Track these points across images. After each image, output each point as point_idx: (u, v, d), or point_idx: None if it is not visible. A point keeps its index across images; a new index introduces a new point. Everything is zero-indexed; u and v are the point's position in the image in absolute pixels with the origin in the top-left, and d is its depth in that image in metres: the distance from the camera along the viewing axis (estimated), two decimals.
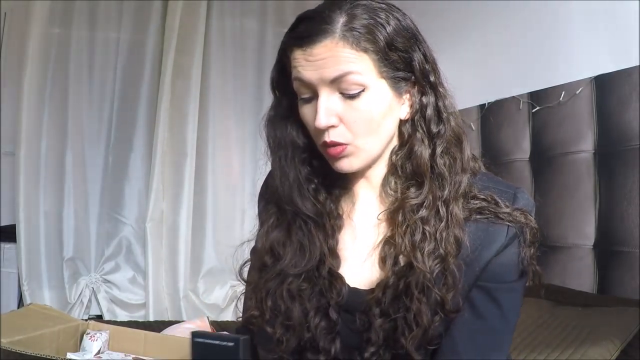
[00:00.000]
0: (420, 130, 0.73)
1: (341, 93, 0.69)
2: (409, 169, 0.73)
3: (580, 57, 1.76)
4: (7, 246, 2.75)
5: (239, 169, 3.16)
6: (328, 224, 0.76)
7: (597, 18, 1.70)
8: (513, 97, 1.96)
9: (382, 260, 0.72)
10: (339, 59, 0.67)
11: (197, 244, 3.05)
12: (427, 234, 0.70)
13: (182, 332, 1.86)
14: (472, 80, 2.20)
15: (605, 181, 1.64)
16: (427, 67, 0.72)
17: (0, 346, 1.31)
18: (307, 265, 0.74)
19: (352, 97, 0.68)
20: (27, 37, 2.69)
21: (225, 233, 3.07)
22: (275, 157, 0.78)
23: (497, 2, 2.09)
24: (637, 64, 1.52)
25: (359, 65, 0.67)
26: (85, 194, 2.94)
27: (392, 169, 0.75)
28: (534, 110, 1.87)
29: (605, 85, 1.64)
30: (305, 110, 0.72)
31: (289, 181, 0.76)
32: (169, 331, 1.91)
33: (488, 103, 2.08)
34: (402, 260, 0.71)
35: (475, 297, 0.71)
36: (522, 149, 1.93)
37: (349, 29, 0.67)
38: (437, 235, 0.70)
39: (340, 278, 0.75)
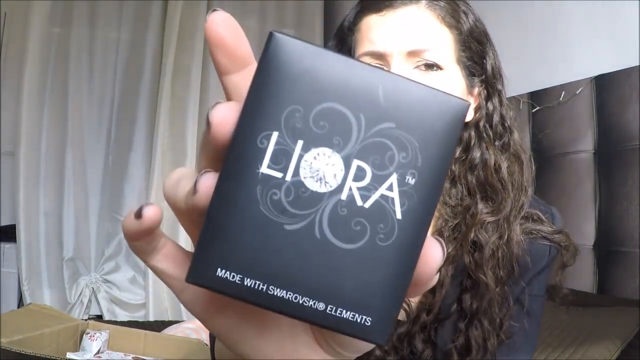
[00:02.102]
0: (487, 138, 0.67)
1: (416, 67, 0.63)
2: (473, 180, 0.66)
3: (580, 57, 1.76)
4: (7, 246, 2.75)
5: None
6: None
7: (597, 18, 1.70)
8: (513, 97, 1.96)
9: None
10: (423, 29, 0.62)
11: None
12: (488, 251, 0.64)
13: (182, 332, 1.86)
14: None
15: (605, 181, 1.64)
16: (497, 74, 0.70)
17: (0, 346, 1.31)
18: None
19: (426, 73, 0.62)
20: (27, 37, 2.69)
21: None
22: None
23: (497, 2, 2.09)
24: (637, 64, 1.52)
25: (442, 41, 0.63)
26: (85, 194, 2.94)
27: (451, 177, 0.68)
28: (534, 110, 1.87)
29: (605, 85, 1.64)
30: None
31: None
32: (169, 331, 1.91)
33: None
34: (466, 280, 0.65)
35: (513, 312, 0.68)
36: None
37: (437, 3, 0.63)
38: (500, 255, 0.64)
39: None
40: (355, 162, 0.21)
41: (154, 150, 2.91)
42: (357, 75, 0.21)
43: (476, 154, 0.66)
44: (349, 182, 0.21)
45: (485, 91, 0.69)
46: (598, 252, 1.66)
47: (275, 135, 0.20)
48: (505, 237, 0.64)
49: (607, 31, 1.66)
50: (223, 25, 0.24)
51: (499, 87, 0.69)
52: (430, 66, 0.62)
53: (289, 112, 0.20)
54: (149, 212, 0.24)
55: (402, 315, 0.67)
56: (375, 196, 0.21)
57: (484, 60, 0.68)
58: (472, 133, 0.68)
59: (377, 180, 0.21)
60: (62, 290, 2.83)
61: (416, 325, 0.65)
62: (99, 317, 2.80)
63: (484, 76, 0.68)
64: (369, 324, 0.21)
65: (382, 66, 0.62)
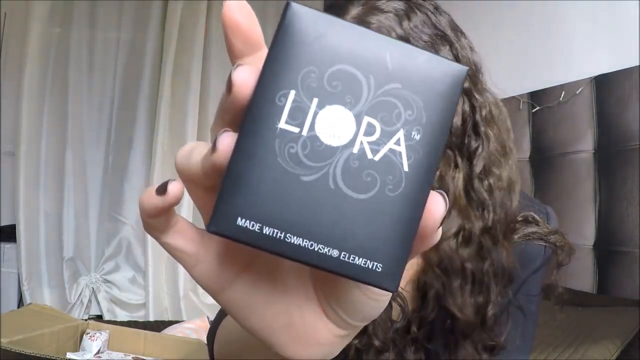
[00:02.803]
0: (450, 147, 0.62)
1: None
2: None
3: (580, 57, 1.76)
4: (7, 246, 2.75)
5: None
6: None
7: (597, 18, 1.70)
8: (513, 97, 1.96)
9: (419, 291, 0.64)
10: None
11: None
12: (469, 272, 0.60)
13: (182, 332, 1.86)
14: None
15: (605, 181, 1.64)
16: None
17: (0, 346, 1.31)
18: None
19: None
20: (27, 37, 2.69)
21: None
22: None
23: (497, 2, 2.09)
24: (637, 64, 1.52)
25: None
26: (85, 194, 2.94)
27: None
28: (534, 110, 1.87)
29: (605, 85, 1.64)
30: None
31: None
32: (169, 331, 1.91)
33: None
34: (435, 303, 0.62)
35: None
36: (522, 149, 1.93)
37: (357, 22, 0.59)
38: (482, 275, 0.60)
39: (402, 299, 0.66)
40: (366, 119, 0.22)
41: (154, 150, 2.91)
42: (367, 41, 0.23)
43: (441, 170, 0.62)
44: (360, 136, 0.22)
45: None
46: (598, 252, 1.66)
47: (292, 93, 0.22)
48: (490, 248, 0.61)
49: (607, 31, 1.66)
50: (239, 11, 0.25)
51: (466, 84, 0.62)
52: None
53: (304, 73, 0.22)
54: (174, 188, 0.25)
55: (397, 313, 0.66)
56: (384, 150, 0.22)
57: None
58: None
59: (386, 135, 0.22)
60: (62, 290, 2.83)
61: (406, 338, 0.64)
62: (99, 317, 2.80)
63: None
64: (380, 270, 0.22)
65: None
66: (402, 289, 0.66)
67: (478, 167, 0.62)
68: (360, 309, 0.27)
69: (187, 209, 2.97)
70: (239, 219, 0.22)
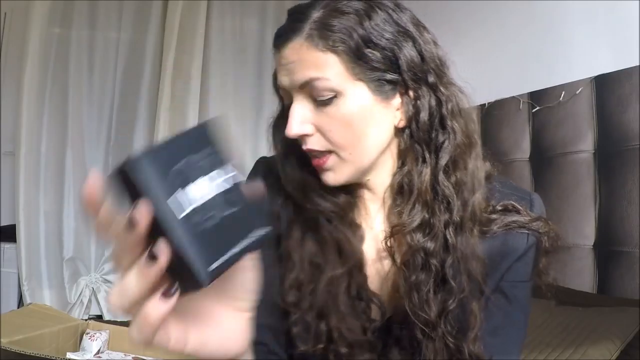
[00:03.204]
0: (418, 141, 0.63)
1: (313, 99, 0.61)
2: (408, 188, 0.64)
3: (580, 57, 1.76)
4: (7, 246, 2.75)
5: (238, 169, 3.15)
6: (349, 232, 0.67)
7: (597, 18, 1.70)
8: (513, 97, 1.96)
9: (397, 291, 0.65)
10: (304, 62, 0.60)
11: None
12: (433, 267, 0.61)
13: None
14: (472, 80, 2.19)
15: (605, 181, 1.64)
16: (422, 67, 0.62)
17: (0, 346, 1.31)
18: (324, 276, 0.65)
19: (324, 103, 0.60)
20: (27, 37, 2.69)
21: None
22: (281, 163, 0.70)
23: (497, 2, 2.09)
24: (637, 64, 1.52)
25: (327, 69, 0.59)
26: None
27: (398, 188, 0.65)
28: (534, 110, 1.87)
29: (605, 85, 1.64)
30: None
31: (297, 187, 0.68)
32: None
33: (488, 103, 2.08)
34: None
35: (491, 302, 0.66)
36: (522, 149, 1.93)
37: (317, 27, 0.59)
38: (447, 269, 0.62)
39: (366, 292, 0.66)
40: (207, 180, 0.37)
41: None
42: (179, 145, 0.38)
43: (407, 160, 0.64)
44: (212, 193, 0.36)
45: (412, 92, 0.63)
46: (598, 252, 1.66)
47: (173, 196, 0.35)
48: (456, 247, 0.62)
49: (607, 31, 1.66)
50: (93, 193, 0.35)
51: (430, 79, 0.62)
52: (324, 102, 0.60)
53: (168, 184, 0.35)
54: (162, 252, 0.35)
55: (375, 312, 0.67)
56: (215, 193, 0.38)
57: (397, 61, 0.61)
58: (405, 138, 0.64)
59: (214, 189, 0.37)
60: (62, 290, 2.83)
61: (392, 336, 0.65)
62: (99, 317, 2.80)
63: (400, 78, 0.62)
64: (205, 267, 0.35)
65: (291, 98, 0.63)
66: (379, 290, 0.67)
67: (444, 159, 0.62)
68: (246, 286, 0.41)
69: None
70: (210, 263, 0.35)
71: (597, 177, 1.66)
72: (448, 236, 0.62)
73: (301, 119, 0.62)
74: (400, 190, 0.65)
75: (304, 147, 0.63)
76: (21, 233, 2.69)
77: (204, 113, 3.06)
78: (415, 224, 0.62)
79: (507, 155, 1.97)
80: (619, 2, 1.62)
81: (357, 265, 0.66)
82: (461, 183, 0.63)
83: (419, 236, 0.62)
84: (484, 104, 2.09)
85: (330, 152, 0.63)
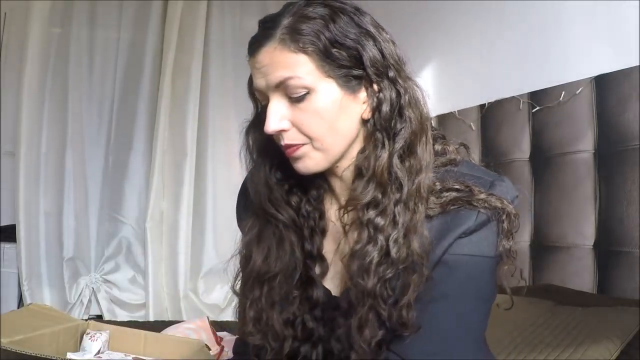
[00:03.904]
0: (379, 129, 0.70)
1: (288, 97, 0.68)
2: (368, 171, 0.71)
3: (580, 57, 1.76)
4: (7, 246, 2.76)
5: (239, 169, 3.14)
6: (306, 227, 0.75)
7: (597, 18, 1.70)
8: (513, 97, 1.96)
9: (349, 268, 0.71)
10: (278, 64, 0.67)
11: (197, 244, 3.05)
12: (378, 240, 0.67)
13: (182, 332, 1.86)
14: (472, 80, 2.20)
15: (605, 181, 1.64)
16: (383, 63, 0.69)
17: (0, 346, 1.31)
18: (276, 269, 0.74)
19: (298, 100, 0.68)
20: (27, 37, 2.69)
21: (225, 233, 3.06)
22: (249, 165, 0.80)
23: (497, 2, 2.09)
24: (637, 64, 1.52)
25: (299, 68, 0.67)
26: (85, 194, 2.94)
27: (358, 171, 0.73)
28: (534, 110, 1.87)
29: (605, 85, 1.64)
30: (265, 117, 0.71)
31: (260, 186, 0.77)
32: (169, 331, 1.91)
33: (488, 103, 2.08)
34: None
35: (436, 276, 0.68)
36: (522, 149, 1.93)
37: (288, 31, 0.67)
38: (391, 242, 0.67)
39: (316, 283, 0.74)
40: None
41: (154, 150, 2.91)
42: None
43: (369, 146, 0.71)
44: None
45: (375, 85, 0.70)
46: (598, 252, 1.66)
47: None
48: (401, 223, 0.67)
49: (607, 31, 1.66)
50: None
51: (391, 74, 0.69)
52: (298, 99, 0.68)
53: None
54: None
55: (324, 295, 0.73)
56: None
57: (361, 58, 0.68)
58: (369, 127, 0.71)
59: None
60: (62, 290, 2.83)
61: (340, 310, 0.70)
62: (99, 317, 2.80)
63: (365, 73, 0.69)
64: None
65: (267, 99, 0.70)
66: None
67: (399, 144, 0.69)
68: None
69: (186, 210, 2.97)
70: None
71: (597, 177, 1.66)
72: (396, 212, 0.68)
73: (279, 116, 0.69)
74: (360, 173, 0.72)
75: (282, 143, 0.70)
76: (21, 233, 2.69)
77: (204, 112, 3.07)
78: (367, 199, 0.69)
79: (506, 155, 1.97)
80: (619, 2, 1.62)
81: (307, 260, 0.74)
82: (412, 165, 0.70)
83: (370, 212, 0.69)
84: (484, 104, 2.09)
85: (304, 144, 0.70)
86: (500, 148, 2.01)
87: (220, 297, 3.02)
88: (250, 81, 0.74)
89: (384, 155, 0.69)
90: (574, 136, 1.73)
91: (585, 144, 1.70)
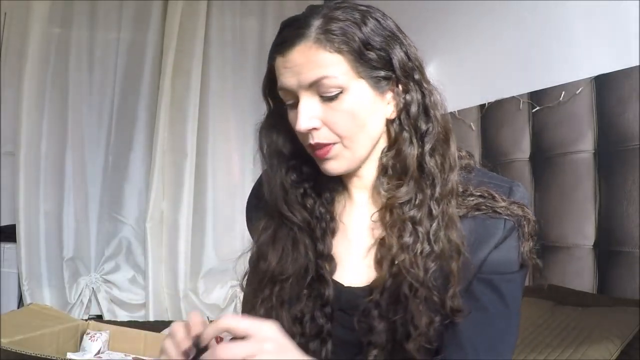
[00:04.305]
0: (407, 129, 0.73)
1: (320, 96, 0.70)
2: (397, 169, 0.73)
3: (580, 57, 1.76)
4: (7, 246, 2.76)
5: (239, 169, 3.16)
6: (318, 228, 0.77)
7: (597, 18, 1.70)
8: (513, 97, 1.96)
9: (378, 262, 0.73)
10: (313, 63, 0.68)
11: (197, 244, 3.05)
12: (420, 234, 0.70)
13: None
14: (472, 80, 2.20)
15: (605, 181, 1.64)
16: (409, 65, 0.72)
17: (0, 346, 1.31)
18: (290, 270, 0.75)
19: (330, 99, 0.69)
20: (27, 37, 2.69)
21: (225, 233, 3.07)
22: (265, 165, 0.79)
23: (497, 2, 2.09)
24: (637, 64, 1.52)
25: (335, 68, 0.68)
26: (85, 194, 2.94)
27: (383, 170, 0.75)
28: (534, 110, 1.87)
29: (605, 85, 1.64)
30: (292, 116, 0.73)
31: (276, 188, 0.77)
32: (169, 331, 1.91)
33: (488, 103, 2.08)
34: (396, 262, 0.71)
35: (476, 290, 0.71)
36: (522, 149, 1.93)
37: (323, 32, 0.68)
38: (431, 235, 0.70)
39: (327, 281, 0.75)
40: None
41: (154, 150, 2.91)
42: None
43: (398, 145, 0.73)
44: None
45: (401, 87, 0.72)
46: (598, 252, 1.66)
47: None
48: (438, 217, 0.70)
49: (607, 31, 1.66)
50: None
51: (416, 76, 0.72)
52: (331, 97, 0.69)
53: None
54: None
55: (365, 281, 0.74)
56: None
57: (390, 60, 0.71)
58: (396, 127, 0.74)
59: None
60: (62, 290, 2.83)
61: (371, 302, 0.71)
62: (99, 317, 2.80)
63: (393, 75, 0.72)
64: None
65: (295, 99, 0.71)
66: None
67: (429, 144, 0.72)
68: None
69: (186, 210, 2.97)
70: None
71: (597, 177, 1.66)
72: (432, 207, 0.71)
73: (310, 115, 0.70)
74: (385, 172, 0.75)
75: (311, 142, 0.71)
76: (21, 233, 2.69)
77: (204, 113, 3.06)
78: (407, 197, 0.72)
79: (507, 155, 1.97)
80: (619, 2, 1.62)
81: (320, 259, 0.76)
82: (442, 163, 0.72)
83: (407, 208, 0.72)
84: (484, 104, 2.09)
85: (334, 143, 0.71)
86: (500, 148, 2.01)
87: (220, 297, 3.02)
88: (267, 81, 0.75)
89: (414, 153, 0.72)
90: (574, 136, 1.73)
91: (585, 144, 1.70)
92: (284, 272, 0.75)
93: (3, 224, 2.75)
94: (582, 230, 1.70)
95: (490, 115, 2.07)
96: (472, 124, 2.13)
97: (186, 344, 0.63)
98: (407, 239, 0.70)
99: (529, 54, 1.95)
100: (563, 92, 1.76)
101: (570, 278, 1.71)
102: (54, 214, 2.84)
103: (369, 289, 0.73)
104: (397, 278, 0.70)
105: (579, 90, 1.71)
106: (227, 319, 0.60)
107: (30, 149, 2.74)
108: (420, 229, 0.70)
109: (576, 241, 1.72)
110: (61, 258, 2.86)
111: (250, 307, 0.78)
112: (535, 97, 1.87)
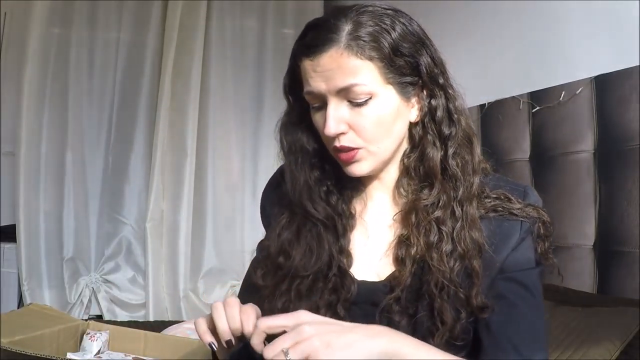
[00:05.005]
0: (431, 133, 0.75)
1: (349, 101, 0.70)
2: (421, 171, 0.75)
3: (580, 57, 1.76)
4: (7, 246, 2.76)
5: (239, 169, 3.16)
6: (339, 224, 0.78)
7: (597, 18, 1.70)
8: (513, 97, 1.96)
9: (397, 260, 0.74)
10: (344, 69, 0.68)
11: (197, 244, 3.05)
12: (444, 234, 0.72)
13: (182, 332, 1.86)
14: (472, 80, 2.19)
15: (605, 181, 1.64)
16: (435, 70, 0.73)
17: (0, 346, 1.31)
18: (315, 267, 0.76)
19: (359, 104, 0.70)
20: (27, 37, 2.69)
21: (225, 233, 3.07)
22: (287, 162, 0.80)
23: (497, 2, 2.09)
24: (637, 64, 1.52)
25: (365, 75, 0.69)
26: (85, 194, 2.94)
27: (405, 171, 0.77)
28: (534, 110, 1.87)
29: (605, 85, 1.64)
30: (317, 118, 0.74)
31: (300, 185, 0.78)
32: (169, 331, 1.91)
33: (488, 103, 2.08)
34: (419, 260, 0.73)
35: (503, 289, 0.72)
36: (522, 149, 1.93)
37: (353, 38, 0.68)
38: (454, 235, 0.72)
39: (348, 274, 0.76)
40: None
41: (154, 150, 2.91)
42: None
43: (422, 148, 0.75)
44: None
45: (426, 91, 0.74)
46: (598, 252, 1.66)
47: None
48: (461, 218, 0.73)
49: (607, 31, 1.66)
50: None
51: (441, 81, 0.74)
52: (360, 103, 0.70)
53: None
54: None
55: (380, 277, 0.75)
56: None
57: (418, 66, 0.72)
58: (419, 130, 0.76)
59: None
60: (62, 290, 2.83)
61: (392, 299, 0.72)
62: (99, 317, 2.80)
63: (420, 80, 0.73)
64: None
65: (322, 102, 0.72)
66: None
67: (452, 148, 0.74)
68: None
69: (186, 210, 2.97)
70: None
71: (597, 177, 1.66)
72: (455, 209, 0.73)
73: (338, 119, 0.71)
74: (407, 173, 0.77)
75: (337, 145, 0.72)
76: (21, 233, 2.69)
77: (204, 113, 3.06)
78: (432, 200, 0.74)
79: (507, 155, 1.97)
80: (619, 2, 1.62)
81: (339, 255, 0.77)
82: (465, 166, 0.75)
83: (432, 209, 0.74)
84: (484, 104, 2.09)
85: (359, 148, 0.73)
86: (500, 148, 2.01)
87: (220, 297, 3.02)
88: (288, 80, 0.76)
89: (437, 156, 0.74)
90: (574, 136, 1.73)
91: (585, 144, 1.70)
92: (308, 269, 0.76)
93: (3, 224, 2.75)
94: (582, 230, 1.70)
95: (490, 115, 2.07)
96: (472, 124, 2.13)
97: (227, 336, 0.69)
98: (433, 238, 0.72)
99: (529, 54, 1.95)
100: (563, 92, 1.76)
101: (570, 278, 1.71)
102: (54, 214, 2.84)
103: (389, 285, 0.74)
104: (419, 275, 0.72)
105: (579, 90, 1.71)
106: (263, 321, 0.63)
107: (30, 149, 2.74)
108: (444, 229, 0.72)
109: (576, 241, 1.72)
110: (61, 258, 2.86)
111: (252, 289, 0.80)
112: (536, 97, 1.87)
